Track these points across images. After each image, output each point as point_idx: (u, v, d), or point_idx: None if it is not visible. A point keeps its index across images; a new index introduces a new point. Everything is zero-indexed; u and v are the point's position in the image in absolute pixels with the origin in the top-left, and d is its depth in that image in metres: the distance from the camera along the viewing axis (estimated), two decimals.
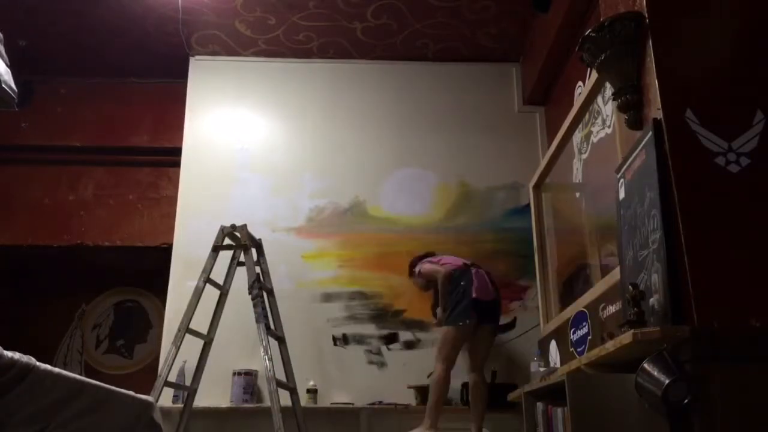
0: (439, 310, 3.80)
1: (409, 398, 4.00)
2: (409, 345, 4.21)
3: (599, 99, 3.28)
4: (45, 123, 4.80)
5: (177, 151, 4.59)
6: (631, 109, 2.27)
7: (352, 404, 3.99)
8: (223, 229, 3.65)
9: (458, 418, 3.70)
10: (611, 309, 2.78)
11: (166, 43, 4.56)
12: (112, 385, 1.55)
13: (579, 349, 3.16)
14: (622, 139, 2.53)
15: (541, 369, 3.37)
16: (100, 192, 4.77)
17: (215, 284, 3.66)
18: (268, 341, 3.38)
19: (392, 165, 4.59)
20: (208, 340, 3.68)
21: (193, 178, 4.52)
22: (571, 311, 3.33)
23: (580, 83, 3.85)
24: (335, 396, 4.06)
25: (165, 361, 3.39)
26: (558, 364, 3.41)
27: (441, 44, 4.65)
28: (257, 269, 3.64)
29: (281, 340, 3.69)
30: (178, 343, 3.39)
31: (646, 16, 2.22)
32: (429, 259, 3.92)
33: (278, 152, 4.61)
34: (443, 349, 3.58)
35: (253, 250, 3.72)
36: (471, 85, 4.78)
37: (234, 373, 3.99)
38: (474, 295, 3.56)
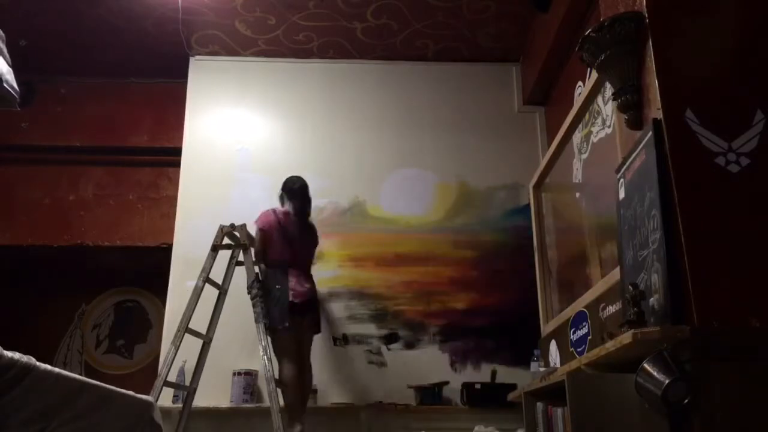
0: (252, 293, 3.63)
1: (409, 398, 4.00)
2: (409, 345, 4.21)
3: (599, 99, 3.28)
4: (45, 123, 4.80)
5: (177, 151, 4.59)
6: (631, 109, 2.27)
7: (354, 404, 3.99)
8: (222, 228, 3.65)
9: (458, 419, 3.71)
10: (611, 309, 2.78)
11: (166, 43, 4.56)
12: (112, 385, 1.55)
13: (579, 349, 3.16)
14: (622, 139, 2.53)
15: (541, 369, 3.37)
16: (100, 192, 4.77)
17: (214, 284, 3.66)
18: (268, 341, 3.38)
19: (392, 165, 4.59)
20: (207, 340, 3.68)
21: (193, 178, 4.52)
22: (571, 311, 3.33)
23: (580, 83, 3.85)
24: (336, 396, 4.06)
25: (165, 361, 3.39)
26: (558, 364, 3.41)
27: (441, 44, 4.65)
28: (256, 269, 3.64)
29: None
30: (177, 343, 3.39)
31: (646, 16, 2.22)
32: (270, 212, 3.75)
33: (278, 152, 4.61)
34: (278, 355, 3.53)
35: (252, 250, 3.72)
36: (471, 85, 4.78)
37: (234, 373, 3.99)
38: (291, 299, 3.52)
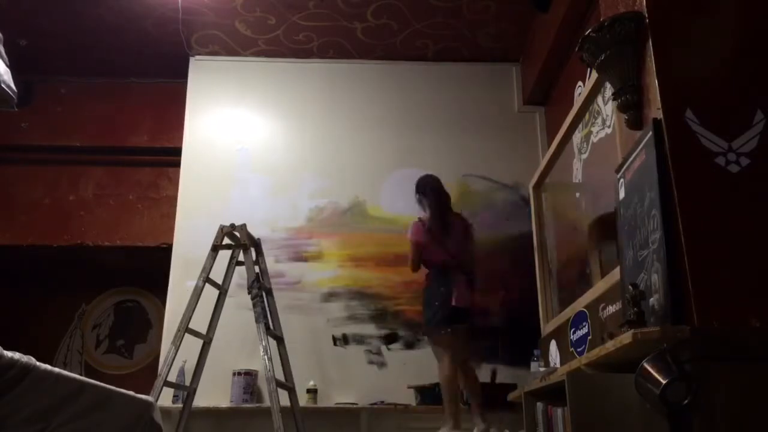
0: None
1: (409, 398, 4.00)
2: (409, 345, 4.21)
3: (599, 99, 3.28)
4: (45, 123, 4.80)
5: (177, 151, 4.59)
6: (631, 109, 2.27)
7: (357, 404, 3.98)
8: (222, 228, 3.65)
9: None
10: (611, 309, 2.78)
11: (166, 43, 4.56)
12: (112, 385, 1.55)
13: (579, 349, 3.16)
14: (622, 139, 2.53)
15: (541, 369, 3.36)
16: (100, 192, 4.77)
17: (214, 284, 3.66)
18: (268, 341, 3.38)
19: (392, 165, 4.59)
20: (207, 340, 3.67)
21: (193, 178, 4.52)
22: (571, 311, 3.33)
23: (580, 83, 3.85)
24: (335, 396, 4.06)
25: (165, 361, 3.39)
26: (558, 364, 3.41)
27: (441, 44, 4.65)
28: (256, 269, 3.64)
29: (280, 340, 3.69)
30: (177, 343, 3.39)
31: (646, 16, 2.22)
32: (423, 229, 3.75)
33: (278, 152, 4.61)
34: (438, 353, 3.63)
35: (252, 250, 3.72)
36: (471, 85, 4.78)
37: (234, 373, 3.99)
38: (454, 303, 3.59)
